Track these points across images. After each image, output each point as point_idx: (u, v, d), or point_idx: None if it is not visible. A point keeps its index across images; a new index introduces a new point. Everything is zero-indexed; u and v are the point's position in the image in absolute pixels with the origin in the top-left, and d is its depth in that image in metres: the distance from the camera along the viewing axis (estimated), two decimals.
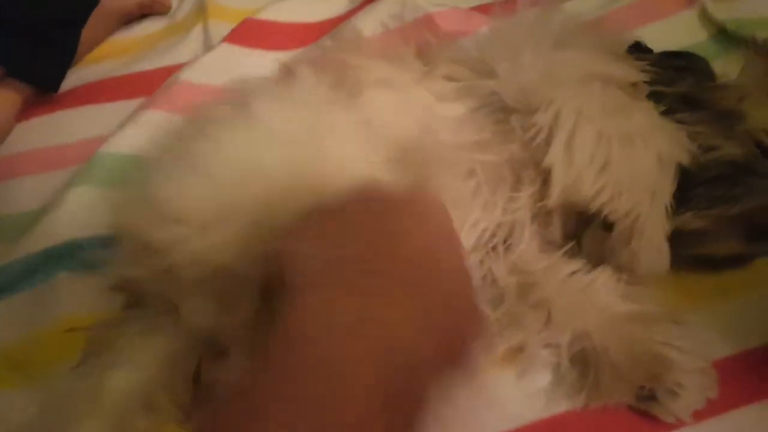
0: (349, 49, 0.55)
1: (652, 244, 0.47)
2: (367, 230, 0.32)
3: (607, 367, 0.46)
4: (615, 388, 0.46)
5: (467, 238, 0.49)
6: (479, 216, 0.49)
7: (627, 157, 0.46)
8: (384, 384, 0.27)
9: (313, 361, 0.27)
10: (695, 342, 0.48)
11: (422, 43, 0.57)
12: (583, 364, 0.48)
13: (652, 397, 0.45)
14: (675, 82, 0.51)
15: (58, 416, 0.44)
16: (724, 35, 0.73)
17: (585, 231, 0.50)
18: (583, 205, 0.47)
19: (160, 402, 0.46)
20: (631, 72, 0.49)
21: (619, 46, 0.51)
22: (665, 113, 0.50)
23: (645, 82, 0.50)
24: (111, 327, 0.49)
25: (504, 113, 0.49)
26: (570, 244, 0.51)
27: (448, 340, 0.31)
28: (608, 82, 0.48)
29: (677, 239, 0.50)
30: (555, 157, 0.47)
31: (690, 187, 0.48)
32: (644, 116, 0.48)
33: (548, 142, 0.47)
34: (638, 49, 0.62)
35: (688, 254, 0.52)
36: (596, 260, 0.50)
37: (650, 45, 0.63)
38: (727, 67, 0.58)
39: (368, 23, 0.70)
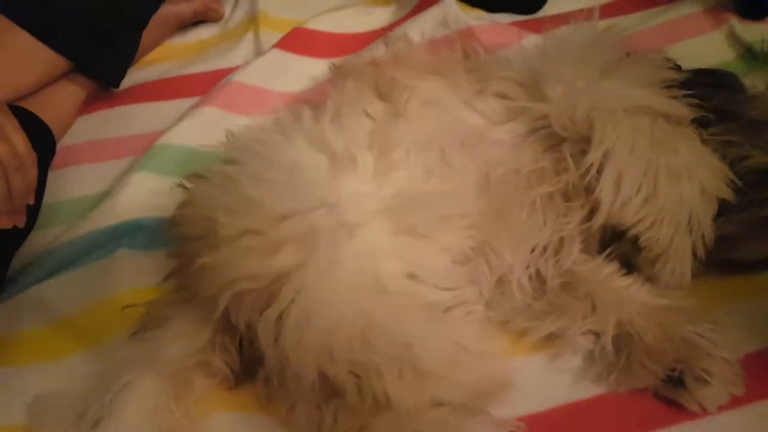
0: (401, 61, 0.59)
1: (676, 271, 0.51)
2: None
3: (642, 351, 0.49)
4: (646, 369, 0.48)
5: (519, 253, 0.52)
6: (532, 237, 0.53)
7: (672, 190, 0.50)
8: None
9: None
10: (726, 337, 0.50)
11: (469, 54, 0.60)
12: (619, 348, 0.51)
13: (680, 383, 0.47)
14: (708, 98, 0.54)
15: (118, 377, 0.47)
16: (752, 55, 0.76)
17: (618, 243, 0.53)
18: (624, 229, 0.51)
19: (214, 363, 0.49)
20: (677, 106, 0.52)
21: (664, 76, 0.54)
22: (701, 125, 0.53)
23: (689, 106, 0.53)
24: (166, 304, 0.53)
25: (555, 139, 0.53)
26: (608, 251, 0.54)
27: None
28: (655, 115, 0.52)
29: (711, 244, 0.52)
30: (605, 188, 0.50)
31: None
32: (690, 150, 0.51)
33: (599, 175, 0.50)
34: (675, 69, 0.65)
35: (722, 258, 0.54)
36: (625, 268, 0.54)
37: (680, 62, 0.67)
38: (755, 84, 0.61)
39: (413, 34, 0.73)
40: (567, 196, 0.53)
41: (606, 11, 0.85)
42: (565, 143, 0.52)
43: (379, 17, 0.84)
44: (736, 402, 0.48)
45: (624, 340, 0.50)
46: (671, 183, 0.50)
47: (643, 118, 0.51)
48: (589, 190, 0.51)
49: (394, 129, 0.53)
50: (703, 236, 0.51)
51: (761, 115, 0.53)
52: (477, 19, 0.75)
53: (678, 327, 0.49)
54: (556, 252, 0.53)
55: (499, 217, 0.51)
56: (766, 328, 0.52)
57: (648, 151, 0.50)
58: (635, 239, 0.51)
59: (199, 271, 0.48)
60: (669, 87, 0.53)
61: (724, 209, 0.52)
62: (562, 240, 0.53)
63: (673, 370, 0.47)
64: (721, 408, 0.48)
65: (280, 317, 0.44)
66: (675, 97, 0.52)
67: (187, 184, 0.53)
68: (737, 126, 0.53)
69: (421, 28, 0.75)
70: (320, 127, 0.52)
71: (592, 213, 0.52)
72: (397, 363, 0.42)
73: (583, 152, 0.51)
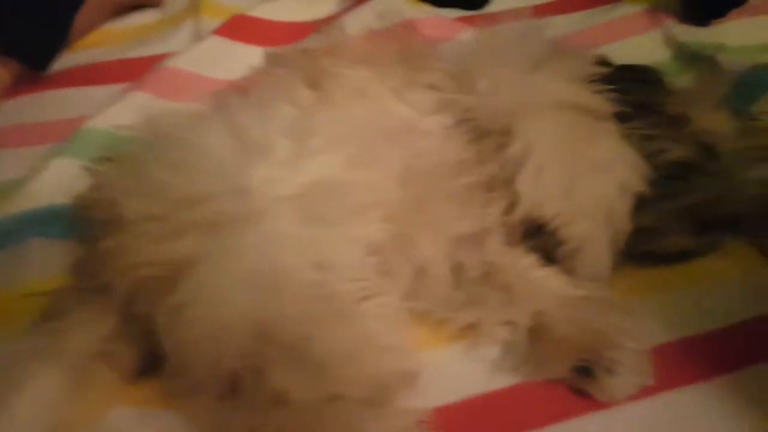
0: (333, 51, 0.59)
1: (594, 264, 0.52)
2: None
3: (553, 341, 0.49)
4: (557, 360, 0.49)
5: (438, 244, 0.52)
6: (452, 228, 0.52)
7: (590, 185, 0.50)
8: None
9: None
10: (637, 329, 0.50)
11: (407, 46, 0.60)
12: (533, 339, 0.51)
13: (589, 374, 0.48)
14: (630, 93, 0.55)
15: (16, 368, 0.45)
16: (686, 55, 0.77)
17: (539, 235, 0.53)
18: (543, 222, 0.52)
19: (118, 354, 0.47)
20: (599, 101, 0.53)
21: (589, 72, 0.55)
22: (623, 120, 0.54)
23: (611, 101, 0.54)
24: (73, 292, 0.51)
25: (481, 132, 0.53)
26: (530, 242, 0.54)
27: None
28: (577, 110, 0.52)
29: (629, 237, 0.53)
30: (524, 182, 0.51)
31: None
32: (609, 145, 0.52)
33: (519, 167, 0.51)
34: (602, 64, 0.66)
35: (641, 250, 0.55)
36: (546, 260, 0.54)
37: (616, 60, 0.68)
38: (687, 84, 0.62)
39: (353, 25, 0.73)
40: (489, 188, 0.52)
41: (547, 10, 0.87)
42: (489, 136, 0.52)
43: (321, 7, 0.83)
44: (646, 392, 0.48)
45: (538, 331, 0.50)
46: (590, 178, 0.50)
47: (565, 113, 0.51)
48: (510, 183, 0.51)
49: (318, 117, 0.52)
50: (621, 230, 0.51)
51: (680, 110, 0.54)
52: (420, 11, 0.75)
53: (589, 318, 0.49)
54: (477, 243, 0.53)
55: (420, 208, 0.50)
56: (678, 319, 0.53)
57: (568, 146, 0.50)
58: (555, 232, 0.51)
59: (100, 257, 0.46)
60: (593, 82, 0.53)
61: (641, 202, 0.52)
62: (483, 231, 0.53)
63: (583, 360, 0.48)
64: (630, 398, 0.48)
65: (177, 307, 0.43)
66: (598, 92, 0.53)
67: (96, 167, 0.52)
68: (657, 120, 0.54)
69: (362, 19, 0.74)
70: (241, 113, 0.52)
71: (513, 205, 0.52)
72: (294, 356, 0.41)
73: (506, 145, 0.51)
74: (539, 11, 0.86)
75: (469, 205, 0.52)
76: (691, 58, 0.75)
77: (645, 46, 0.79)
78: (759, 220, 0.56)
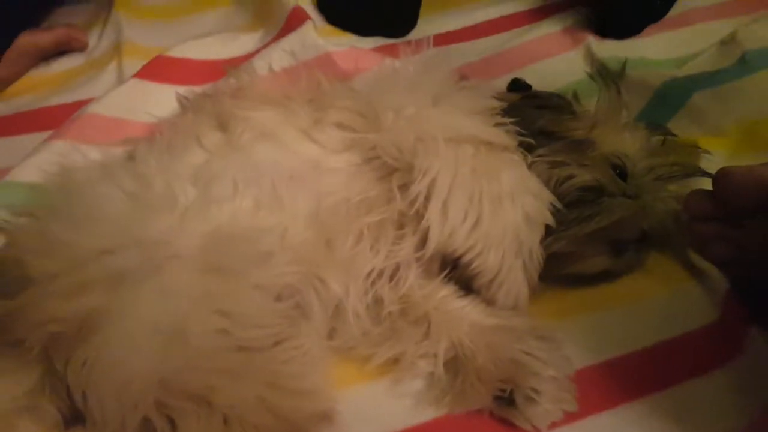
0: (241, 93, 0.59)
1: (510, 294, 0.52)
2: None
3: (473, 372, 0.49)
4: (477, 391, 0.49)
5: (349, 282, 0.52)
6: (362, 265, 0.52)
7: (496, 217, 0.51)
8: None
9: None
10: (557, 355, 0.51)
11: (314, 84, 0.60)
12: (454, 371, 0.51)
13: (510, 402, 0.48)
14: (534, 120, 0.55)
15: None
16: (603, 73, 0.78)
17: (456, 267, 0.54)
18: (456, 257, 0.52)
19: (43, 407, 0.46)
20: (498, 134, 0.53)
21: (489, 105, 0.55)
22: (528, 148, 0.55)
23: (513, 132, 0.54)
24: None
25: (389, 169, 0.53)
26: (445, 273, 0.54)
27: None
28: (477, 144, 0.52)
29: (546, 262, 0.54)
30: (432, 218, 0.50)
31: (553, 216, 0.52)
32: (512, 177, 0.52)
33: (426, 204, 0.51)
34: (517, 87, 0.67)
35: (559, 273, 0.56)
36: (465, 291, 0.54)
37: (535, 82, 0.69)
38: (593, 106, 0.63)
39: (271, 61, 0.73)
40: (399, 225, 0.53)
41: (469, 34, 0.88)
42: (396, 172, 0.52)
43: (244, 43, 0.83)
44: (571, 417, 0.49)
45: (457, 363, 0.50)
46: (495, 210, 0.51)
47: (465, 147, 0.52)
48: (419, 219, 0.51)
49: (224, 161, 0.52)
50: (533, 258, 0.52)
51: (585, 134, 0.55)
52: (336, 45, 0.75)
53: (506, 347, 0.49)
54: (392, 278, 0.53)
55: (328, 247, 0.50)
56: (601, 341, 0.53)
57: (470, 180, 0.50)
58: (468, 265, 0.51)
59: (12, 313, 0.45)
60: (495, 115, 0.54)
61: (552, 228, 0.53)
62: (398, 266, 0.53)
63: (503, 390, 0.48)
64: (555, 424, 0.48)
65: (84, 363, 0.42)
66: (500, 124, 0.53)
67: (7, 224, 0.51)
68: (562, 146, 0.55)
69: (279, 55, 0.74)
70: (147, 162, 0.51)
71: (425, 240, 0.52)
72: (201, 407, 0.40)
73: (411, 182, 0.51)
74: (461, 35, 0.88)
75: (380, 242, 0.52)
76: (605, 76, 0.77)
77: (564, 66, 0.80)
78: (671, 236, 0.57)
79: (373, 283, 0.52)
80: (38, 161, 0.68)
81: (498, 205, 0.50)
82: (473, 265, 0.51)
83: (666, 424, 0.48)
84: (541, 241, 0.52)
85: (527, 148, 0.54)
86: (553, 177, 0.53)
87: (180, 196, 0.47)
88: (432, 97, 0.54)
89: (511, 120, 0.53)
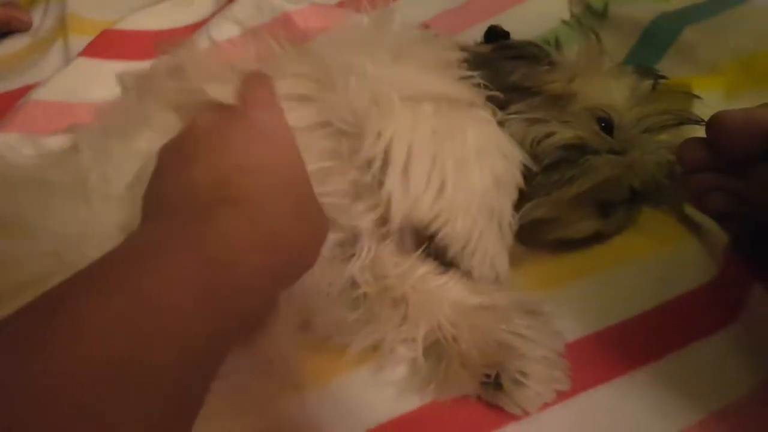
0: (189, 68, 0.53)
1: (485, 262, 0.47)
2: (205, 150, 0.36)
3: (456, 357, 0.46)
4: (462, 377, 0.45)
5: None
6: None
7: (461, 181, 0.46)
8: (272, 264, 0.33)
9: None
10: (545, 332, 0.47)
11: (266, 51, 0.55)
12: (436, 356, 0.47)
13: (498, 386, 0.45)
14: (506, 73, 0.50)
15: None
16: (589, 12, 0.72)
17: (431, 240, 0.49)
18: (423, 228, 0.47)
19: None
20: (460, 89, 0.48)
21: (451, 58, 0.50)
22: (500, 106, 0.49)
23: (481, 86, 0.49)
24: None
25: (340, 134, 0.48)
26: (421, 250, 0.50)
27: (314, 230, 0.38)
28: (438, 101, 0.47)
29: (530, 228, 0.50)
30: (392, 185, 0.45)
31: (529, 178, 0.48)
32: (478, 135, 0.47)
33: (384, 170, 0.46)
34: (495, 35, 0.61)
35: (546, 239, 0.52)
36: (444, 265, 0.50)
37: (514, 29, 0.63)
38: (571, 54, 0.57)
39: (225, 26, 0.67)
40: (356, 196, 0.48)
41: None
42: (349, 138, 0.47)
43: (199, 8, 0.77)
44: (563, 395, 0.46)
45: (440, 347, 0.47)
46: (460, 173, 0.46)
47: (424, 106, 0.46)
48: (377, 190, 0.46)
49: None
50: (505, 224, 0.47)
51: (563, 87, 0.50)
52: (294, 3, 0.69)
53: (491, 328, 0.46)
54: (363, 256, 0.48)
55: None
56: (593, 310, 0.50)
57: (431, 142, 0.45)
58: (437, 235, 0.47)
59: None
60: (459, 68, 0.48)
61: (532, 192, 0.48)
62: (355, 237, 0.48)
63: (489, 375, 0.45)
64: (545, 405, 0.45)
65: None
66: (465, 78, 0.48)
67: None
68: (540, 101, 0.49)
69: (235, 17, 0.68)
70: (82, 154, 0.47)
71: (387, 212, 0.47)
72: None
73: (367, 155, 0.46)
74: None
75: (340, 217, 0.47)
76: (593, 18, 0.71)
77: (543, 9, 0.73)
78: (665, 190, 0.52)
79: (342, 263, 0.47)
80: None
81: (463, 167, 0.45)
82: (440, 235, 0.46)
83: (665, 393, 0.45)
84: (518, 206, 0.48)
85: (500, 105, 0.49)
86: (530, 135, 0.48)
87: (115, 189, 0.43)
88: (390, 54, 0.48)
89: (480, 73, 0.48)
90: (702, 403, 0.44)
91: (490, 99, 0.48)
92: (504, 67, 0.50)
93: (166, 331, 0.27)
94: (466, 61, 0.49)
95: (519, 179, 0.47)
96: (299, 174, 0.38)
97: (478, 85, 0.48)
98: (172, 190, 0.35)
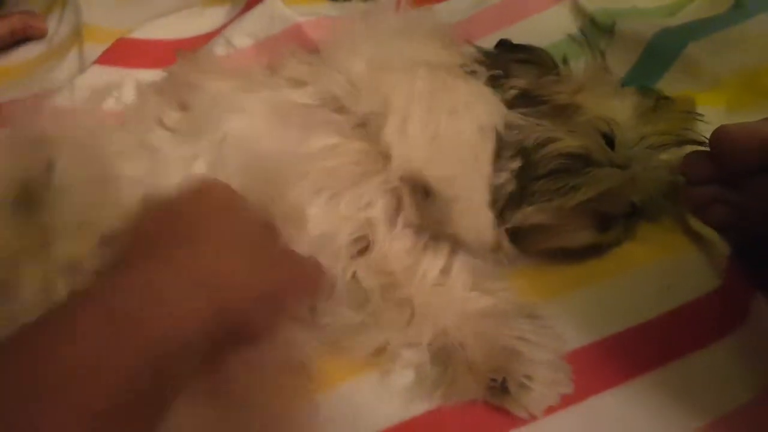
0: (196, 71, 0.56)
1: (470, 210, 0.48)
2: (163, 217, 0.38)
3: (462, 362, 0.47)
4: (468, 383, 0.46)
5: (326, 246, 0.49)
6: (334, 222, 0.49)
7: (452, 127, 0.48)
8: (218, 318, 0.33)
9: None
10: (549, 336, 0.48)
11: (279, 57, 0.57)
12: (442, 362, 0.48)
13: (504, 391, 0.46)
14: (516, 75, 0.52)
15: None
16: (595, 28, 0.74)
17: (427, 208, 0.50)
18: (420, 177, 0.48)
19: None
20: (455, 57, 0.50)
21: (447, 34, 0.53)
22: (510, 107, 0.51)
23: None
24: None
25: (343, 113, 0.50)
26: (425, 237, 0.51)
27: (275, 281, 0.39)
28: (433, 67, 0.50)
29: (528, 234, 0.51)
30: (391, 135, 0.48)
31: (531, 181, 0.49)
32: (467, 88, 0.49)
33: (382, 123, 0.48)
34: (505, 47, 0.62)
35: (543, 248, 0.53)
36: (433, 234, 0.51)
37: (519, 42, 0.64)
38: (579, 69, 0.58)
39: (237, 36, 0.69)
40: (361, 165, 0.50)
41: None
42: (346, 113, 0.50)
43: (211, 18, 0.78)
44: (567, 401, 0.46)
45: (445, 353, 0.48)
46: (451, 120, 0.48)
47: (419, 69, 0.49)
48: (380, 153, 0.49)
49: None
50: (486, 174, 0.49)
51: (568, 99, 0.51)
52: (306, 14, 0.71)
53: (495, 334, 0.47)
54: (364, 245, 0.50)
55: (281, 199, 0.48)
56: (593, 320, 0.50)
57: (426, 96, 0.48)
58: (429, 187, 0.48)
59: None
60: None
61: (533, 198, 0.49)
62: (369, 224, 0.50)
63: (495, 379, 0.45)
64: (551, 409, 0.46)
65: None
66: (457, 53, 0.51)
67: None
68: (546, 110, 0.51)
69: (248, 28, 0.70)
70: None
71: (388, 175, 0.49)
72: None
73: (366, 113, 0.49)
74: None
75: (344, 194, 0.49)
76: (600, 30, 0.72)
77: (549, 23, 0.75)
78: (666, 205, 0.53)
79: (347, 255, 0.49)
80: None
81: (453, 115, 0.48)
82: (432, 182, 0.48)
83: (669, 400, 0.46)
84: (523, 210, 0.49)
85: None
86: (533, 136, 0.49)
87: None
88: (386, 35, 0.52)
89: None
90: (705, 409, 0.45)
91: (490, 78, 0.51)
92: (511, 67, 0.52)
93: (62, 390, 0.26)
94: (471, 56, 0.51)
95: (499, 124, 0.49)
96: (255, 229, 0.40)
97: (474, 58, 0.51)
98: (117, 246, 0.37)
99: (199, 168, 0.49)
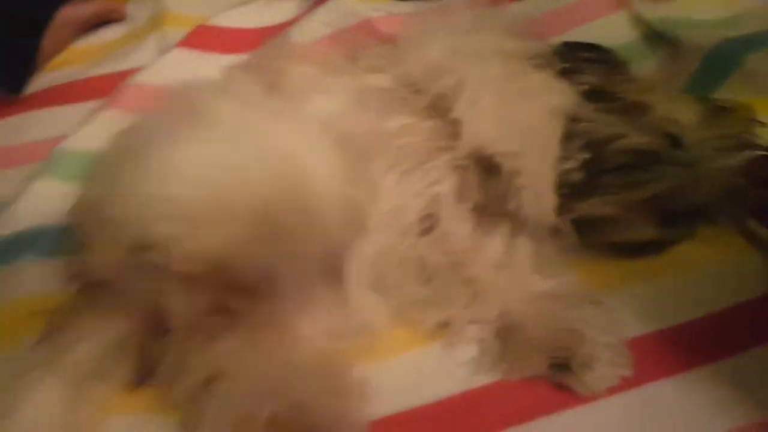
0: (281, 57, 0.59)
1: (534, 184, 0.50)
2: None
3: (526, 340, 0.49)
4: (531, 359, 0.48)
5: (395, 224, 0.52)
6: (405, 199, 0.52)
7: (522, 107, 0.50)
8: None
9: None
10: (610, 321, 0.50)
11: (356, 47, 0.61)
12: (505, 339, 0.50)
13: (567, 369, 0.48)
14: (584, 72, 0.54)
15: (21, 381, 0.46)
16: (654, 35, 0.76)
17: (491, 183, 0.52)
18: (487, 152, 0.51)
19: (114, 370, 0.48)
20: (528, 47, 0.53)
21: (519, 27, 0.56)
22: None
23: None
24: (69, 310, 0.51)
25: (419, 95, 0.53)
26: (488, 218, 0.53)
27: None
28: (507, 56, 0.52)
29: (591, 226, 0.53)
30: (462, 109, 0.50)
31: (599, 174, 0.51)
32: (539, 76, 0.52)
33: (455, 101, 0.51)
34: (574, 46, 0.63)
35: (605, 241, 0.55)
36: (495, 213, 0.53)
37: None
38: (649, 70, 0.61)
39: (310, 28, 0.73)
40: (433, 142, 0.52)
41: None
42: (422, 95, 0.53)
43: (281, 11, 0.82)
44: (627, 384, 0.48)
45: (509, 331, 0.50)
46: (522, 99, 0.51)
47: (494, 57, 0.52)
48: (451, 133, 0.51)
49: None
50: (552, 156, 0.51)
51: (639, 97, 0.53)
52: (376, 9, 0.74)
53: (560, 316, 0.49)
54: (433, 222, 0.52)
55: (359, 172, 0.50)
56: (653, 310, 0.52)
57: (500, 78, 0.51)
58: (495, 163, 0.50)
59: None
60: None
61: (600, 190, 0.51)
62: (436, 200, 0.52)
63: (558, 358, 0.47)
64: (611, 390, 0.48)
65: None
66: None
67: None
68: (615, 106, 0.53)
69: (321, 21, 0.73)
70: None
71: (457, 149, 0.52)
72: None
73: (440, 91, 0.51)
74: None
75: (415, 171, 0.51)
76: (656, 39, 0.74)
77: (610, 28, 0.77)
78: (726, 207, 0.55)
79: (415, 234, 0.51)
80: (91, 130, 0.70)
81: (524, 99, 0.50)
82: (498, 156, 0.50)
83: (724, 392, 0.47)
84: (590, 201, 0.51)
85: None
86: (603, 131, 0.51)
87: None
88: (460, 28, 0.55)
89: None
90: (756, 405, 0.46)
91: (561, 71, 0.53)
92: (581, 65, 0.54)
93: None
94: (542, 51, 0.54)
95: (570, 109, 0.51)
96: None
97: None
98: None
99: None
